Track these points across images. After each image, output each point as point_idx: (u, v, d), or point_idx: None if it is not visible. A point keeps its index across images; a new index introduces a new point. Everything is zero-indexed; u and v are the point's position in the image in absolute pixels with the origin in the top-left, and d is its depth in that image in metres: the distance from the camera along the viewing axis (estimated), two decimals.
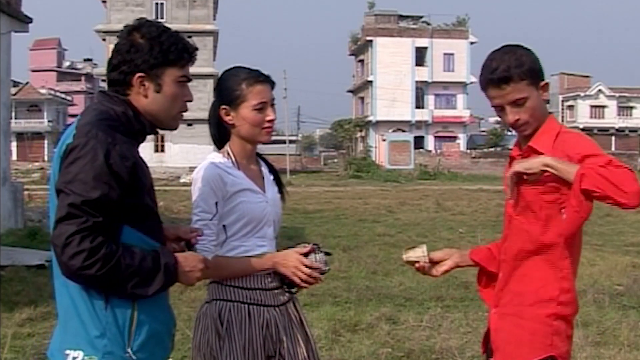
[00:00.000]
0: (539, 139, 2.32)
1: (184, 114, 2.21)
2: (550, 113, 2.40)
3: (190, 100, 2.16)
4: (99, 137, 1.87)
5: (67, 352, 1.93)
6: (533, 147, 2.31)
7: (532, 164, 2.21)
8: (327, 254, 2.60)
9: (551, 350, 2.26)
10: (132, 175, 1.91)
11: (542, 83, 2.33)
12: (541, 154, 2.25)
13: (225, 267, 2.47)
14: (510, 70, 2.26)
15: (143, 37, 2.02)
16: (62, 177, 1.87)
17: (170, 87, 2.07)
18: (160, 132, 2.27)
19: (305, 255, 2.54)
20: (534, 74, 2.29)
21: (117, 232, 1.91)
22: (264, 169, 2.69)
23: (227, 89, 2.54)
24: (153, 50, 2.01)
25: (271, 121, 2.56)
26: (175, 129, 2.20)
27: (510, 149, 2.53)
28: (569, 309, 2.31)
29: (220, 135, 2.61)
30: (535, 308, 2.28)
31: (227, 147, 2.59)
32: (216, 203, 2.45)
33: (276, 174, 2.74)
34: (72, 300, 1.93)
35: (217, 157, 2.55)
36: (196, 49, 2.15)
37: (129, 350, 1.93)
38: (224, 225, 2.50)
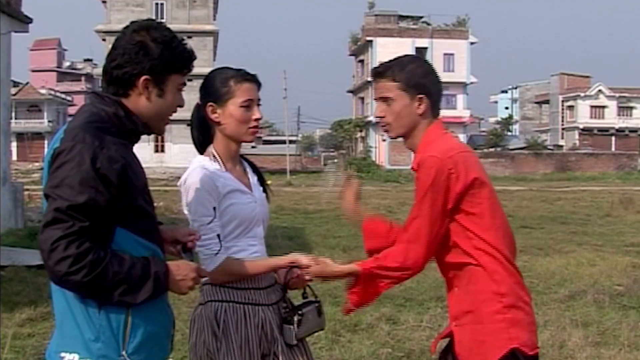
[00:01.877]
0: (416, 156, 2.42)
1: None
2: (437, 119, 2.46)
3: (182, 106, 2.16)
4: (86, 140, 1.86)
5: (63, 354, 1.93)
6: (412, 165, 2.42)
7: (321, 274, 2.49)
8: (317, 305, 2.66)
9: (511, 342, 2.25)
10: (121, 178, 1.89)
11: (419, 96, 2.38)
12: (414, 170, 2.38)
13: (237, 269, 2.48)
14: (389, 69, 2.41)
15: (154, 41, 2.01)
16: (50, 181, 1.87)
17: (171, 93, 2.07)
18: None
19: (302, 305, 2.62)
20: (411, 83, 2.38)
21: (107, 237, 1.89)
22: (248, 169, 2.70)
23: (214, 86, 2.54)
24: (163, 55, 2.01)
25: (257, 120, 2.56)
26: (161, 133, 2.20)
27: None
28: (516, 296, 2.32)
29: (204, 137, 2.61)
30: (487, 306, 2.29)
31: (211, 150, 2.58)
32: (214, 206, 2.46)
33: (260, 174, 2.75)
34: (67, 303, 1.93)
35: (204, 161, 2.55)
36: (195, 56, 2.16)
37: (123, 353, 1.92)
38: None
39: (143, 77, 2.01)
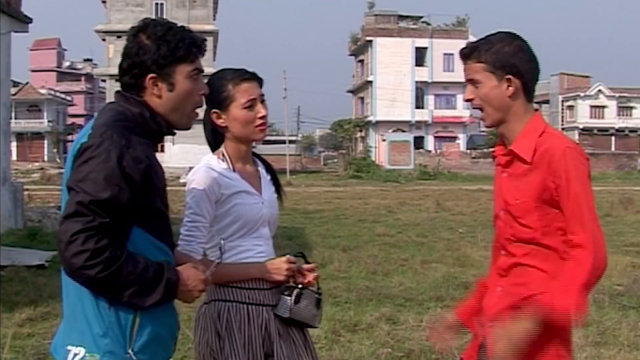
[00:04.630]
0: (520, 142, 2.23)
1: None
2: (536, 110, 2.30)
3: (205, 94, 2.17)
4: (113, 138, 1.88)
5: (70, 347, 1.94)
6: (514, 152, 2.23)
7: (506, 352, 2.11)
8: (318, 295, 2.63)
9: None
10: (144, 178, 1.92)
11: (507, 77, 2.19)
12: (522, 159, 2.20)
13: (217, 273, 2.43)
14: (475, 50, 2.25)
15: (149, 38, 2.02)
16: (74, 175, 1.88)
17: (183, 83, 2.07)
18: None
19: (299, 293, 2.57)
20: (499, 63, 2.20)
21: (124, 235, 1.91)
22: (261, 169, 2.69)
23: (214, 93, 2.52)
24: (160, 49, 2.01)
25: (263, 117, 2.55)
26: (189, 128, 2.17)
27: (493, 149, 2.42)
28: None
29: (216, 140, 2.62)
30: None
31: (222, 149, 2.59)
32: (209, 206, 2.45)
33: (274, 174, 2.73)
34: (79, 297, 1.94)
35: (212, 160, 2.55)
36: (204, 40, 2.15)
37: (129, 351, 1.93)
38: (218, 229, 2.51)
39: (148, 77, 2.02)
